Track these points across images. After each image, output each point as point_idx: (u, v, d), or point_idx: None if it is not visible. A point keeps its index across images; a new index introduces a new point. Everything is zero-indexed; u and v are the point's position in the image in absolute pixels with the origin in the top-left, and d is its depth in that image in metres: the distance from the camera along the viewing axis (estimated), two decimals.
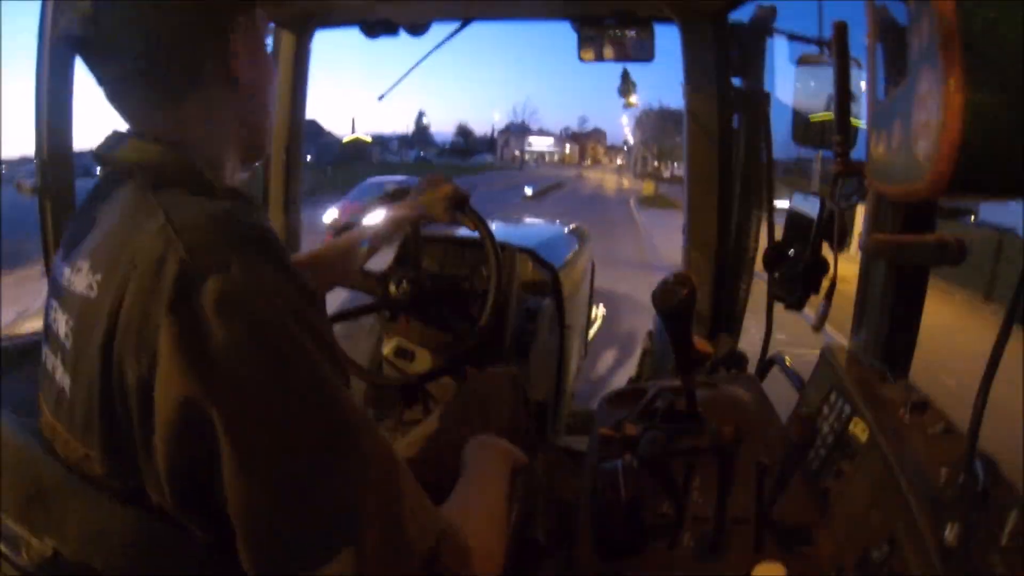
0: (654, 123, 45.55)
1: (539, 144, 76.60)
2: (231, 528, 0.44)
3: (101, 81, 0.54)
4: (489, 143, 71.63)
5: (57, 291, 0.55)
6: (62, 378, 0.51)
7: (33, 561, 0.48)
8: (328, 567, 0.43)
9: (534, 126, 75.73)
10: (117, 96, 0.55)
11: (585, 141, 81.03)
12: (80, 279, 0.50)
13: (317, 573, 0.43)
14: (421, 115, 69.18)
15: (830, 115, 1.19)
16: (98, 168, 0.58)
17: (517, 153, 69.10)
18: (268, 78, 0.62)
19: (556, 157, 76.57)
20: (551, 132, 79.74)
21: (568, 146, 79.44)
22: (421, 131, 68.69)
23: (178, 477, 0.44)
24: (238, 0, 0.57)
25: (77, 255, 0.52)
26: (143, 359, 0.43)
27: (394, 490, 0.47)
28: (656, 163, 49.44)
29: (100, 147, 0.57)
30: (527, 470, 0.83)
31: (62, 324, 0.52)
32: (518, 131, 71.86)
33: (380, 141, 60.45)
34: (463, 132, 74.32)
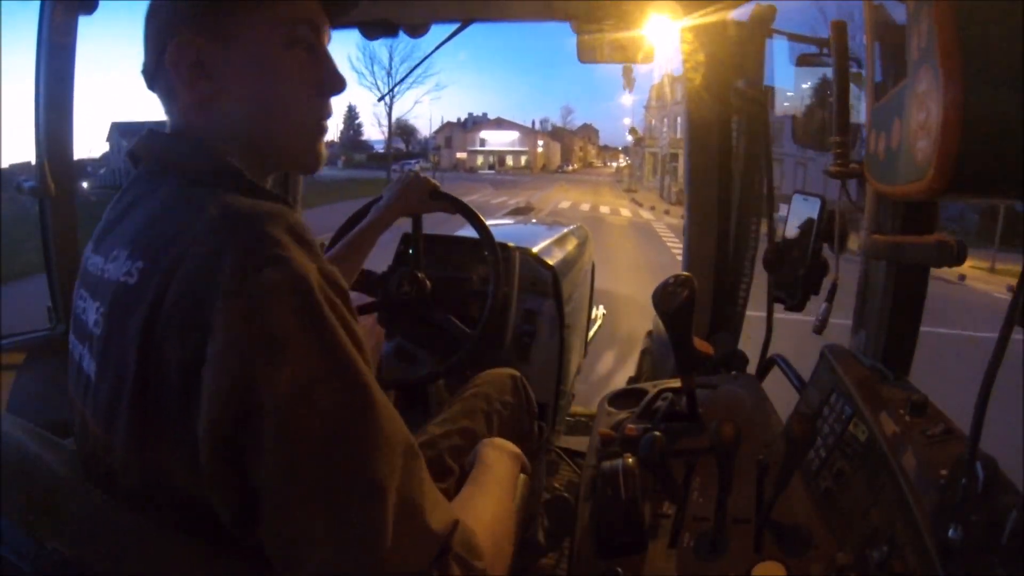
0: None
1: (496, 141, 54.02)
2: (251, 511, 0.46)
3: None
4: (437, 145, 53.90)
5: (88, 281, 0.56)
6: (88, 365, 0.53)
7: (35, 563, 0.48)
8: (350, 544, 0.46)
9: (467, 114, 54.43)
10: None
11: (571, 138, 62.64)
12: (116, 266, 0.52)
13: (339, 550, 0.46)
14: (351, 111, 50.09)
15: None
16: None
17: (461, 155, 51.08)
18: (272, 90, 0.59)
19: (523, 160, 53.61)
20: (518, 124, 55.87)
21: (542, 143, 56.18)
22: (353, 132, 50.90)
23: (218, 451, 0.45)
24: (220, 9, 0.56)
25: (112, 245, 0.54)
26: (189, 341, 0.45)
27: (416, 475, 0.51)
28: None
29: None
30: (530, 473, 0.83)
31: (92, 312, 0.53)
32: (475, 123, 53.42)
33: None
34: (404, 131, 51.37)
